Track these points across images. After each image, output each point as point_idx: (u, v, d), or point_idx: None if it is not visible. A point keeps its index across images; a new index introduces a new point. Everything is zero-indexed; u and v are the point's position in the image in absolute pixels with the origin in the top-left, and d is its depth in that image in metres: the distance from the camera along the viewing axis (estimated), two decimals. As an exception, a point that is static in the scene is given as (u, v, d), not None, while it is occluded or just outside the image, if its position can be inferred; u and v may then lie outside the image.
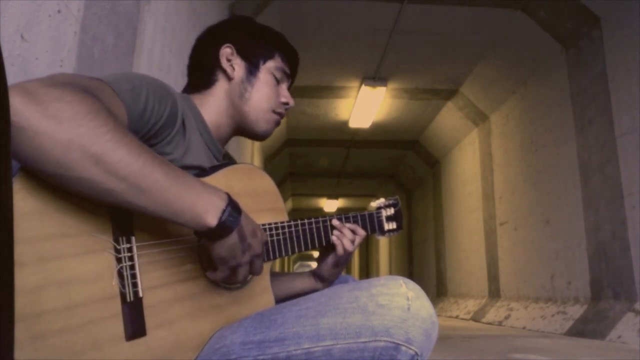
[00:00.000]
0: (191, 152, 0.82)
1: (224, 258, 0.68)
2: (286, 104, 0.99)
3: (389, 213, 1.06)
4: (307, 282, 1.02)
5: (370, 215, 1.03)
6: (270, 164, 8.19)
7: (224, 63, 0.94)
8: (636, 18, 3.45)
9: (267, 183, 0.90)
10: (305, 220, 0.94)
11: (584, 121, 4.07)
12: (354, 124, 7.02)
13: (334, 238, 0.96)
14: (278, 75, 0.97)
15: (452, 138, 7.34)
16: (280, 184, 10.07)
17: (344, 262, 0.99)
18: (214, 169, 0.83)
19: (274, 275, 1.00)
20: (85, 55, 1.16)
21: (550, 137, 4.67)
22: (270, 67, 0.96)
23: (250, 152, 5.57)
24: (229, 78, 0.94)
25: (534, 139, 5.03)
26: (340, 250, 0.97)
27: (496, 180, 5.97)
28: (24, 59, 0.91)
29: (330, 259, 0.99)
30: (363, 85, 5.84)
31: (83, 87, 0.60)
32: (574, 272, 4.20)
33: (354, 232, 0.98)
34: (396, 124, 7.34)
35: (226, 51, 0.94)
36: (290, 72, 1.01)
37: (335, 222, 0.97)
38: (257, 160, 6.51)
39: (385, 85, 5.83)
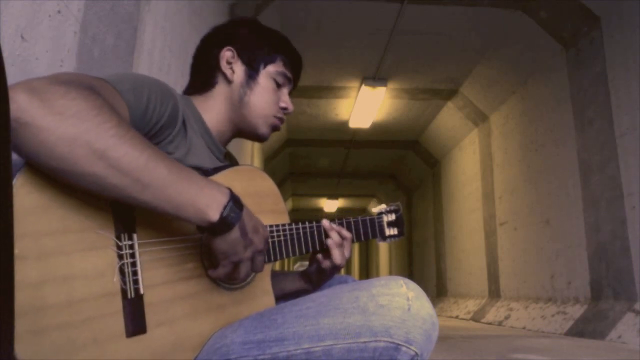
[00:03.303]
0: (193, 152, 0.83)
1: (225, 253, 0.68)
2: (285, 109, 0.99)
3: (390, 219, 1.05)
4: (297, 284, 1.02)
5: (372, 219, 1.03)
6: (270, 164, 8.19)
7: (224, 66, 0.94)
8: (636, 18, 3.45)
9: (269, 185, 0.90)
10: (307, 224, 0.93)
11: (584, 121, 4.07)
12: (354, 124, 7.02)
13: (329, 242, 0.94)
14: (279, 79, 0.97)
15: (452, 138, 7.34)
16: (280, 184, 10.07)
17: (329, 270, 0.95)
18: (215, 170, 0.83)
19: None
20: (85, 55, 1.16)
21: (550, 137, 4.67)
22: (270, 72, 0.96)
23: (250, 152, 5.57)
24: (229, 81, 0.95)
25: (534, 139, 5.03)
26: (320, 258, 0.95)
27: (496, 180, 5.97)
28: (24, 59, 0.91)
29: (316, 265, 0.97)
30: (363, 86, 5.83)
31: (87, 85, 0.61)
32: (574, 272, 4.20)
33: (340, 234, 0.95)
34: (396, 124, 7.34)
35: (227, 54, 0.95)
36: (293, 77, 1.01)
37: (325, 223, 0.94)
38: (257, 161, 6.51)
39: (385, 85, 5.83)
